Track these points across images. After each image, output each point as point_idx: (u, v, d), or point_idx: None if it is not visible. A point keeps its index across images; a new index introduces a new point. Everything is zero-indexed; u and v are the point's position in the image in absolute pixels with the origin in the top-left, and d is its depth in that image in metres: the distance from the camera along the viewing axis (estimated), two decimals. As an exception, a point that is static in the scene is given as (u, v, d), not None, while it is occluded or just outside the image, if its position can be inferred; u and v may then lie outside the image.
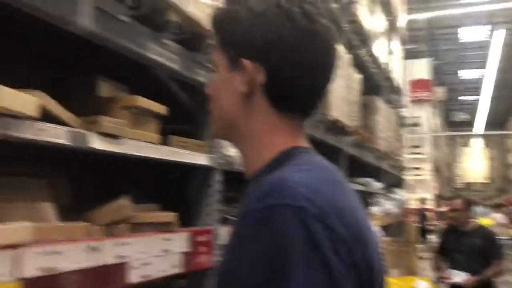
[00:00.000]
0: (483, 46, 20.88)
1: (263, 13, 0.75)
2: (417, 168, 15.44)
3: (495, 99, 30.16)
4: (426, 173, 15.40)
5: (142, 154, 1.55)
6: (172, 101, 2.09)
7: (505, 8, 17.89)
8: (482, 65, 22.97)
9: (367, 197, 5.34)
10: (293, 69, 0.75)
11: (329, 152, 4.26)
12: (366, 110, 5.37)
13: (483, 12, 18.34)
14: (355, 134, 4.55)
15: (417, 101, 16.95)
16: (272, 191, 0.65)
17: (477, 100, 29.02)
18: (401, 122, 8.77)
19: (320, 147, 3.99)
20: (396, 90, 7.36)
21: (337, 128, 3.92)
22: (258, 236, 0.62)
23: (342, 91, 4.08)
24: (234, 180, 2.84)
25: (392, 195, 7.20)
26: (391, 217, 6.59)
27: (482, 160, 33.12)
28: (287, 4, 0.75)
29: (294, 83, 0.76)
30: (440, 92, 19.41)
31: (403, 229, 8.46)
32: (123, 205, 1.51)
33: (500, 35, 18.25)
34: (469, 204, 4.31)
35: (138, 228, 1.60)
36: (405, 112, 9.58)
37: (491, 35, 19.49)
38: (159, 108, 1.67)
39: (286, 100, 0.78)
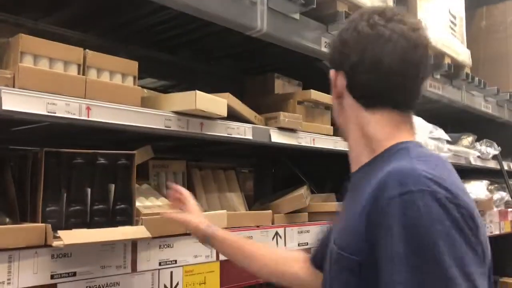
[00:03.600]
0: None
1: (357, 37, 0.88)
2: None
3: None
4: None
5: (319, 146, 1.60)
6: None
7: None
8: None
9: None
10: (379, 75, 0.86)
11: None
12: None
13: None
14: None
15: None
16: (406, 179, 0.74)
17: None
18: None
19: (506, 129, 3.58)
20: None
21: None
22: (405, 217, 0.71)
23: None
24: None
25: None
26: None
27: None
28: (375, 29, 0.87)
29: (384, 85, 0.87)
30: None
31: None
32: (302, 195, 1.58)
33: None
34: None
35: (315, 216, 1.66)
36: None
37: None
38: (331, 100, 1.70)
39: (380, 99, 0.89)
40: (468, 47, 2.69)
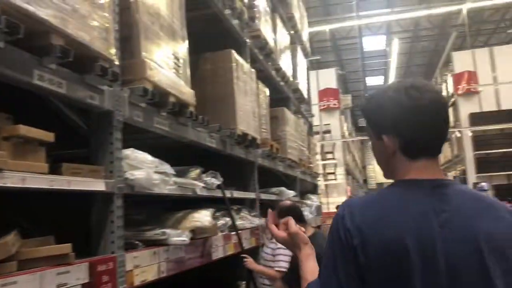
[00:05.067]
0: (383, 55, 22.34)
1: (379, 102, 1.21)
2: (330, 173, 16.10)
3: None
4: (340, 177, 16.11)
5: (29, 186, 1.47)
6: (67, 127, 2.02)
7: (399, 19, 19.34)
8: (383, 72, 24.54)
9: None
10: (413, 133, 1.16)
11: (240, 164, 4.31)
12: (276, 121, 5.52)
13: (381, 23, 19.67)
14: (265, 146, 4.65)
15: (326, 109, 17.73)
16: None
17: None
18: (311, 131, 9.11)
19: (231, 160, 4.03)
20: (304, 100, 7.64)
21: (246, 141, 3.99)
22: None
23: (250, 105, 4.17)
24: (141, 203, 2.79)
25: (307, 202, 7.43)
26: (309, 223, 6.79)
27: (391, 161, 35.13)
28: (398, 94, 1.17)
29: (416, 140, 1.16)
30: (347, 100, 20.45)
31: (323, 234, 8.74)
32: (8, 242, 1.41)
33: (396, 44, 19.65)
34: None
35: (29, 264, 1.51)
36: (314, 120, 9.96)
37: (389, 44, 20.94)
38: (46, 136, 1.60)
39: (414, 151, 1.17)
40: (197, 87, 2.94)
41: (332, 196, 15.95)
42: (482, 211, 1.09)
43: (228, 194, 3.30)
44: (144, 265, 2.19)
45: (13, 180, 1.40)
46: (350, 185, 18.44)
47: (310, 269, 1.31)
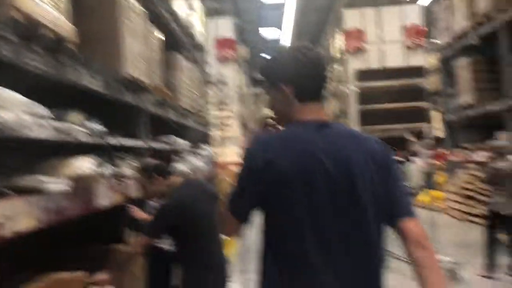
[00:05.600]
0: (280, 7, 22.52)
1: (279, 59, 1.58)
2: (224, 125, 16.22)
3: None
4: (234, 129, 16.30)
5: None
6: None
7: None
8: (279, 25, 24.85)
9: (172, 155, 5.37)
10: (304, 81, 1.52)
11: (129, 111, 4.12)
12: (168, 67, 5.33)
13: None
14: (156, 92, 4.47)
15: (222, 59, 17.59)
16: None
17: (277, 59, 31.39)
18: (206, 80, 8.99)
19: (119, 106, 3.82)
20: (199, 47, 7.46)
21: (135, 86, 3.79)
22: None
23: (141, 48, 3.93)
24: (15, 149, 2.53)
25: (200, 152, 7.42)
26: (200, 173, 6.80)
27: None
28: (294, 53, 1.54)
29: (305, 87, 1.53)
30: (243, 51, 20.44)
31: (215, 184, 8.86)
32: None
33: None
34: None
35: None
36: (210, 70, 9.84)
37: (286, -2, 21.09)
38: None
39: (305, 96, 1.53)
40: (80, 24, 2.67)
41: (226, 147, 16.16)
42: (354, 142, 1.47)
43: (114, 141, 3.14)
44: (16, 215, 2.01)
45: None
46: (245, 137, 18.79)
47: None
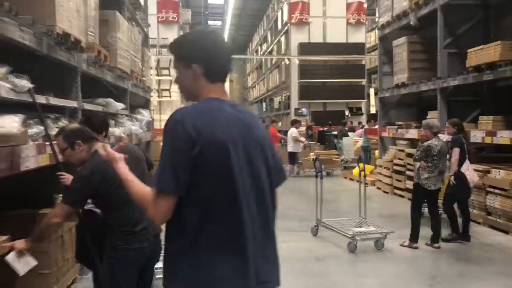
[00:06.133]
0: (225, -27, 21.93)
1: (193, 39, 1.65)
2: (165, 90, 15.83)
3: (236, 26, 32.77)
4: (174, 94, 15.95)
5: None
6: None
7: None
8: (224, -8, 24.27)
9: (108, 118, 5.16)
10: (215, 62, 1.63)
11: (61, 69, 3.88)
12: (106, 26, 5.05)
13: None
14: (91, 51, 4.24)
15: (165, 22, 17.01)
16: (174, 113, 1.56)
17: (222, 26, 30.96)
18: (147, 42, 8.66)
19: (51, 64, 3.58)
20: (140, 7, 7.14)
21: (69, 43, 3.56)
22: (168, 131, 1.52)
23: (76, 3, 3.68)
24: None
25: (137, 116, 7.19)
26: (137, 137, 6.61)
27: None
28: (207, 35, 1.65)
29: (216, 69, 1.64)
30: (187, 14, 19.88)
31: (151, 149, 8.67)
32: None
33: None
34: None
35: None
36: (151, 32, 9.48)
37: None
38: None
39: (214, 76, 1.63)
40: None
41: (165, 113, 15.80)
42: (254, 119, 1.69)
43: (43, 100, 2.94)
44: None
45: None
46: (184, 103, 18.47)
47: (130, 177, 1.68)
